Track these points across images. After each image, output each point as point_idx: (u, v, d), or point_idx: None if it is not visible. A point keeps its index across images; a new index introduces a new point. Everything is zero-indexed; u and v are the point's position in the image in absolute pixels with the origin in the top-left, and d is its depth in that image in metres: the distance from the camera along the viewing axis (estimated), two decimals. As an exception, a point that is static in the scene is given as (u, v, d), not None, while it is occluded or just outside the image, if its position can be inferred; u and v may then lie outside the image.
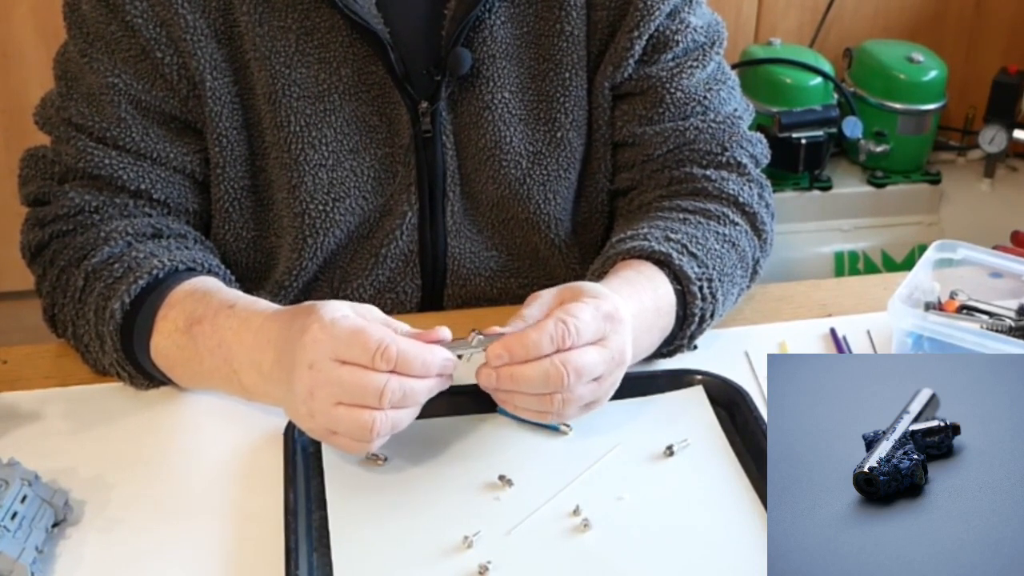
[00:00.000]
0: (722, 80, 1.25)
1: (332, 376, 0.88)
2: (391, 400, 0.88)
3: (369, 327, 0.89)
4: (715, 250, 1.12)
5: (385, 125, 1.17)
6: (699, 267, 1.09)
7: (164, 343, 1.03)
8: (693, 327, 1.09)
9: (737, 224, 1.17)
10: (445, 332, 0.93)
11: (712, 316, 1.11)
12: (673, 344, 1.11)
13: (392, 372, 0.88)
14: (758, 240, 1.19)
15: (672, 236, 1.11)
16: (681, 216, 1.16)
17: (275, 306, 1.00)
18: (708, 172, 1.20)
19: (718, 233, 1.14)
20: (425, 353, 0.90)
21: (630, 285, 1.05)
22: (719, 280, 1.11)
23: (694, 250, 1.10)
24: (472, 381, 0.98)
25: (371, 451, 0.94)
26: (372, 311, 0.94)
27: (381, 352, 0.87)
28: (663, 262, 1.08)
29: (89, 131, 1.14)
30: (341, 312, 0.91)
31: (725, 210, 1.17)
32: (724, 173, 1.21)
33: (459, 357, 0.93)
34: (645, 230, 1.12)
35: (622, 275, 1.07)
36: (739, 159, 1.22)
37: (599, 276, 1.10)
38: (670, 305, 1.07)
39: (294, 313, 0.94)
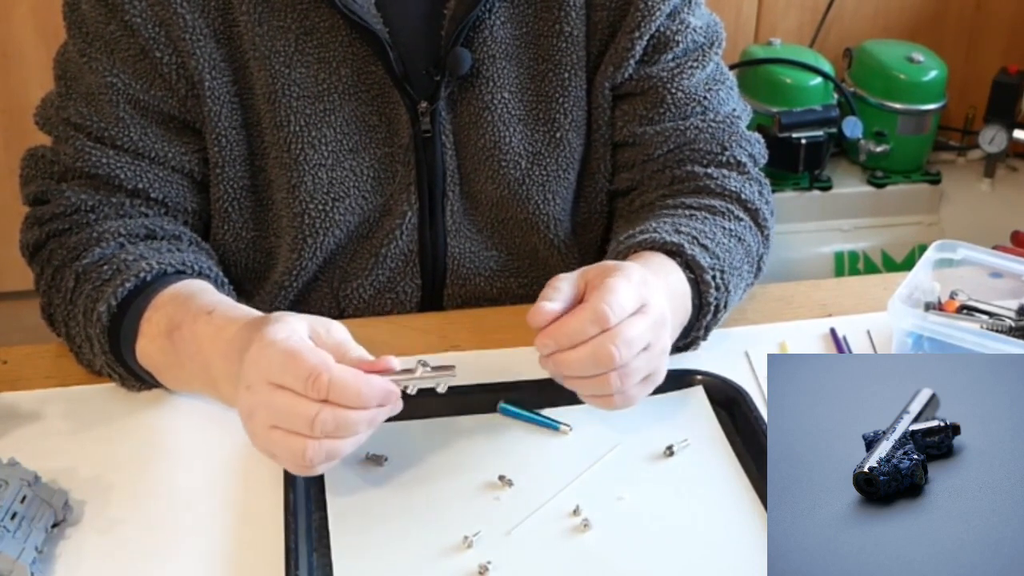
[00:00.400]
0: (721, 80, 1.25)
1: (266, 399, 0.87)
2: (323, 430, 0.85)
3: (305, 352, 0.86)
4: (724, 244, 1.12)
5: (384, 125, 1.17)
6: (711, 258, 1.09)
7: (149, 347, 1.02)
8: (709, 317, 1.09)
9: (741, 220, 1.17)
10: (392, 362, 0.90)
11: (725, 307, 1.11)
12: (690, 336, 1.10)
13: (326, 401, 0.85)
14: (761, 236, 1.20)
15: (682, 229, 1.11)
16: (687, 212, 1.16)
17: (253, 313, 0.98)
18: (709, 170, 1.21)
19: (724, 228, 1.14)
20: (361, 384, 0.86)
21: (649, 271, 1.03)
22: (729, 273, 1.10)
23: (704, 242, 1.10)
24: (473, 381, 0.98)
25: (314, 474, 0.90)
26: (333, 330, 0.91)
27: (312, 380, 0.84)
28: (675, 252, 1.08)
29: (87, 131, 1.14)
30: (285, 332, 0.88)
31: (729, 206, 1.17)
32: (725, 171, 1.21)
33: (404, 390, 0.90)
34: (654, 225, 1.12)
35: (635, 262, 1.05)
36: (739, 158, 1.22)
37: None
38: (685, 294, 1.07)
39: (258, 325, 0.91)
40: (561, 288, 0.94)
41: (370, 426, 0.88)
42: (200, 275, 1.09)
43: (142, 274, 1.04)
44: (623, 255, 1.09)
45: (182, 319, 0.99)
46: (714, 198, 1.18)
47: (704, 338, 1.11)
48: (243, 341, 0.91)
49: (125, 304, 1.03)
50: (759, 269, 1.20)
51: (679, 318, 1.05)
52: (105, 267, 1.06)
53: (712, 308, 1.08)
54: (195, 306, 1.00)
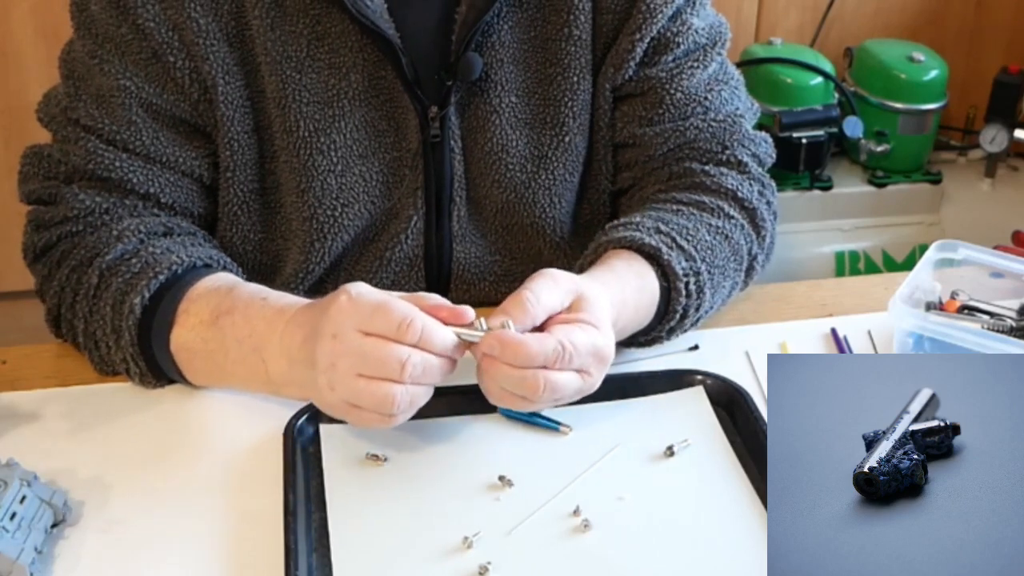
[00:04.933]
0: (724, 80, 1.25)
1: (355, 347, 0.89)
2: (412, 374, 0.89)
3: (394, 301, 0.91)
4: (706, 241, 1.12)
5: (394, 130, 1.17)
6: (687, 260, 1.10)
7: (187, 336, 1.03)
8: (673, 322, 1.10)
9: (732, 218, 1.17)
10: (470, 313, 0.94)
11: (698, 310, 1.12)
12: (651, 335, 1.11)
13: (414, 347, 0.89)
14: (756, 236, 1.19)
15: (663, 228, 1.11)
16: (675, 207, 1.16)
17: (304, 300, 1.01)
18: (708, 168, 1.21)
19: (710, 225, 1.15)
20: (446, 332, 0.91)
21: (617, 278, 1.06)
22: (708, 273, 1.11)
23: (682, 242, 1.11)
24: (473, 381, 0.97)
25: (395, 424, 0.93)
26: (396, 295, 0.95)
27: (406, 325, 0.89)
28: (652, 256, 1.09)
29: (99, 133, 1.13)
30: (368, 288, 0.93)
31: (721, 203, 1.17)
32: (724, 169, 1.21)
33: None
34: (637, 219, 1.13)
35: (610, 264, 1.08)
36: (740, 157, 1.22)
37: (590, 263, 1.11)
38: (652, 301, 1.08)
39: (331, 295, 0.95)
40: (543, 303, 0.95)
41: (448, 373, 0.93)
42: (225, 269, 1.11)
43: (174, 267, 1.05)
44: (603, 249, 1.11)
45: (232, 305, 1.01)
46: (706, 194, 1.19)
47: (667, 338, 1.13)
48: (311, 315, 0.94)
49: (157, 296, 1.04)
50: (751, 269, 1.20)
51: (639, 321, 1.08)
52: (133, 260, 1.07)
53: (677, 315, 1.10)
54: (245, 293, 1.02)
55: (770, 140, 1.28)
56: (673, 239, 1.10)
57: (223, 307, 1.02)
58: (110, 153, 1.13)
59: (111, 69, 1.12)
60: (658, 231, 1.11)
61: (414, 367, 0.89)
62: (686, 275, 1.09)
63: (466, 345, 0.93)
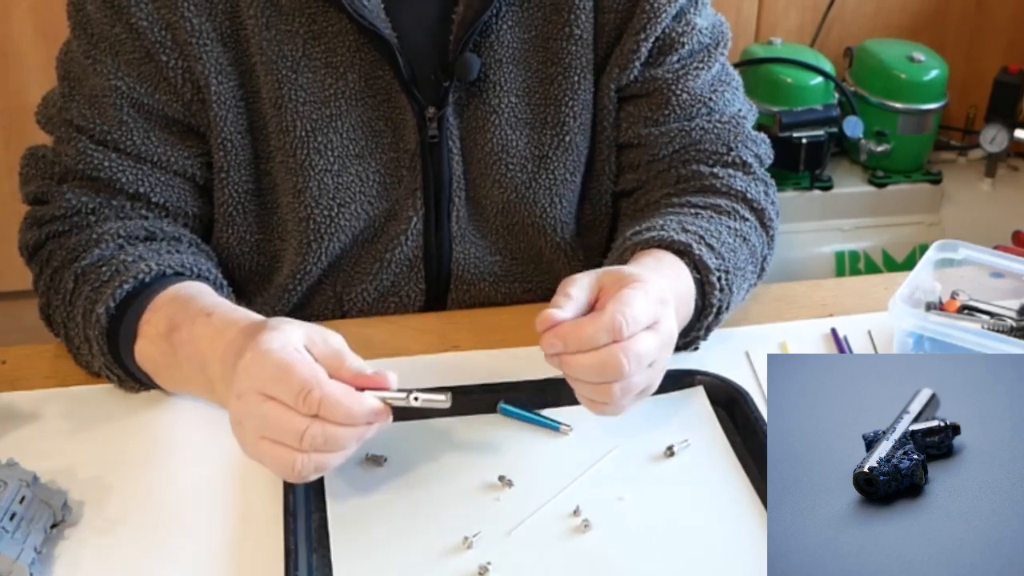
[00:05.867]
0: (727, 81, 1.25)
1: (256, 410, 0.86)
2: (312, 445, 0.86)
3: (297, 365, 0.86)
4: (729, 243, 1.12)
5: (391, 130, 1.17)
6: (717, 258, 1.09)
7: (147, 348, 1.02)
8: (710, 318, 1.09)
9: (747, 220, 1.17)
10: (390, 380, 0.89)
11: (727, 309, 1.11)
12: (689, 336, 1.10)
13: (316, 416, 0.85)
14: (766, 236, 1.20)
15: (688, 228, 1.11)
16: (693, 211, 1.15)
17: (252, 316, 0.98)
18: (715, 170, 1.21)
19: (730, 228, 1.14)
20: (352, 402, 0.86)
21: (656, 265, 1.04)
22: (734, 273, 1.10)
23: (711, 242, 1.10)
24: (473, 381, 0.97)
25: (304, 482, 0.90)
26: (330, 339, 0.90)
27: (303, 395, 0.84)
28: (683, 252, 1.07)
29: (90, 133, 1.13)
30: (279, 342, 0.87)
31: (735, 206, 1.17)
32: (731, 171, 1.21)
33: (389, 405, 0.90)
34: (660, 223, 1.12)
35: (644, 262, 1.05)
36: (744, 158, 1.22)
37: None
38: (690, 295, 1.07)
39: (256, 330, 0.91)
40: (573, 296, 0.93)
41: (359, 442, 0.88)
42: (199, 277, 1.08)
43: (140, 275, 1.04)
44: (630, 252, 1.09)
45: (181, 321, 0.99)
46: (720, 197, 1.18)
47: (704, 338, 1.11)
48: (241, 345, 0.91)
49: (124, 305, 1.03)
50: (762, 270, 1.19)
51: (681, 320, 1.05)
52: (104, 268, 1.06)
53: (715, 310, 1.08)
54: (194, 308, 1.00)
55: (768, 141, 1.28)
56: (701, 237, 1.10)
57: (174, 321, 1.00)
58: (100, 153, 1.13)
59: (104, 69, 1.12)
60: (684, 231, 1.10)
61: (313, 438, 0.85)
62: (718, 270, 1.08)
63: (389, 408, 0.89)
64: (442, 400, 0.91)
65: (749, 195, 1.19)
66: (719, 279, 1.08)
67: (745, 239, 1.15)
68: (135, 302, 1.03)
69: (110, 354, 1.03)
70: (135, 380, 1.05)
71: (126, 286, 1.03)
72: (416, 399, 0.89)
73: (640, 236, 1.10)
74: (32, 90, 2.32)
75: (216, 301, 1.02)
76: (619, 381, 0.91)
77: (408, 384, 0.91)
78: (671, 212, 1.16)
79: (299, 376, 0.85)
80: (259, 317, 0.97)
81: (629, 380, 0.91)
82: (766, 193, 1.22)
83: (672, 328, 0.95)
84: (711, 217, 1.14)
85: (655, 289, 0.94)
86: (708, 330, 1.11)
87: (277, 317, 0.93)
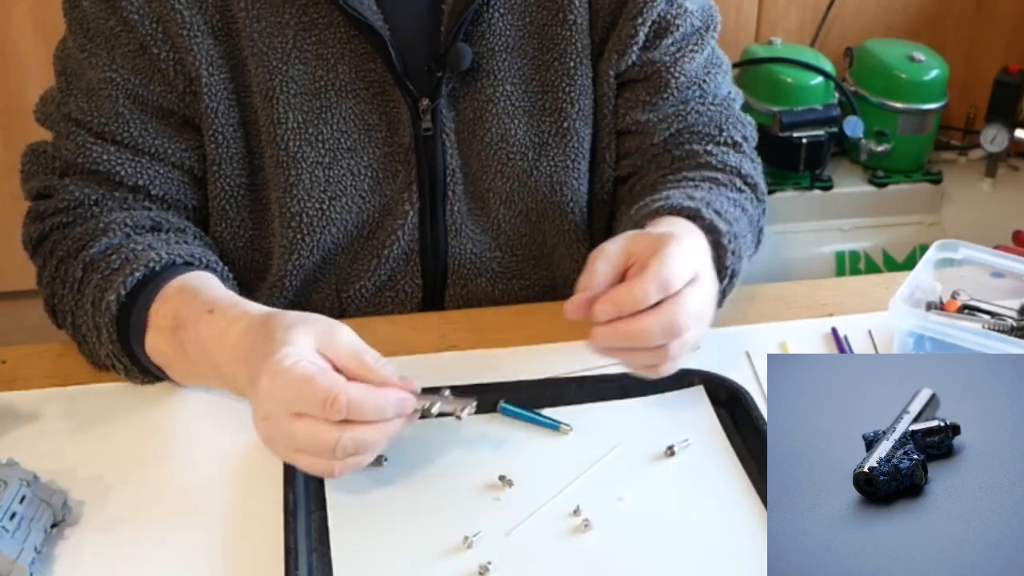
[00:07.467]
0: (717, 64, 1.27)
1: (286, 430, 0.88)
2: (346, 452, 0.88)
3: (318, 377, 0.87)
4: (731, 212, 1.13)
5: (385, 124, 1.17)
6: (725, 224, 1.09)
7: (158, 340, 1.02)
8: (726, 282, 1.09)
9: (743, 191, 1.19)
10: (415, 387, 0.91)
11: (739, 275, 1.12)
12: None
13: (346, 421, 0.87)
14: (761, 209, 1.22)
15: (694, 196, 1.12)
16: (692, 184, 1.17)
17: (252, 309, 0.98)
18: (709, 147, 1.23)
19: (729, 198, 1.16)
20: (377, 398, 0.88)
21: (681, 229, 1.04)
22: (740, 240, 1.11)
23: (717, 208, 1.11)
24: (472, 380, 0.97)
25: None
26: (338, 338, 0.91)
27: (331, 403, 0.85)
28: (693, 216, 1.08)
29: (88, 126, 1.14)
30: (293, 358, 0.88)
31: (732, 178, 1.20)
32: (724, 148, 1.24)
33: (423, 411, 0.92)
34: (665, 194, 1.13)
35: (663, 225, 1.06)
36: (735, 138, 1.25)
37: None
38: (710, 256, 1.07)
39: (262, 333, 0.92)
40: (599, 270, 0.94)
41: (389, 438, 0.90)
42: (207, 267, 1.09)
43: (151, 264, 1.04)
44: (640, 223, 1.09)
45: (186, 317, 1.00)
46: (716, 172, 1.20)
47: (721, 305, 1.11)
48: (248, 349, 0.92)
49: (134, 294, 1.03)
50: (758, 241, 1.22)
51: None
52: (114, 256, 1.06)
53: (729, 273, 1.09)
54: (198, 304, 1.00)
55: (754, 123, 1.31)
56: (708, 203, 1.11)
57: (180, 317, 1.00)
58: (98, 146, 1.13)
59: (99, 62, 1.13)
60: (690, 198, 1.11)
61: (345, 448, 0.87)
62: (728, 233, 1.08)
63: (415, 396, 0.91)
64: (471, 401, 0.93)
65: (743, 170, 1.21)
66: (730, 242, 1.08)
67: (744, 209, 1.17)
68: (145, 291, 1.03)
69: (119, 342, 1.04)
70: (141, 370, 1.05)
71: (137, 274, 1.03)
72: (436, 407, 0.92)
73: (648, 208, 1.11)
74: (32, 90, 2.32)
75: (217, 295, 1.02)
76: (678, 338, 0.92)
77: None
78: (672, 185, 1.17)
79: (321, 387, 0.86)
80: (259, 309, 0.97)
81: (684, 336, 0.92)
82: (755, 169, 1.25)
83: (712, 280, 0.97)
84: (711, 188, 1.16)
85: (688, 243, 0.95)
86: (724, 295, 1.10)
87: (278, 312, 0.94)
